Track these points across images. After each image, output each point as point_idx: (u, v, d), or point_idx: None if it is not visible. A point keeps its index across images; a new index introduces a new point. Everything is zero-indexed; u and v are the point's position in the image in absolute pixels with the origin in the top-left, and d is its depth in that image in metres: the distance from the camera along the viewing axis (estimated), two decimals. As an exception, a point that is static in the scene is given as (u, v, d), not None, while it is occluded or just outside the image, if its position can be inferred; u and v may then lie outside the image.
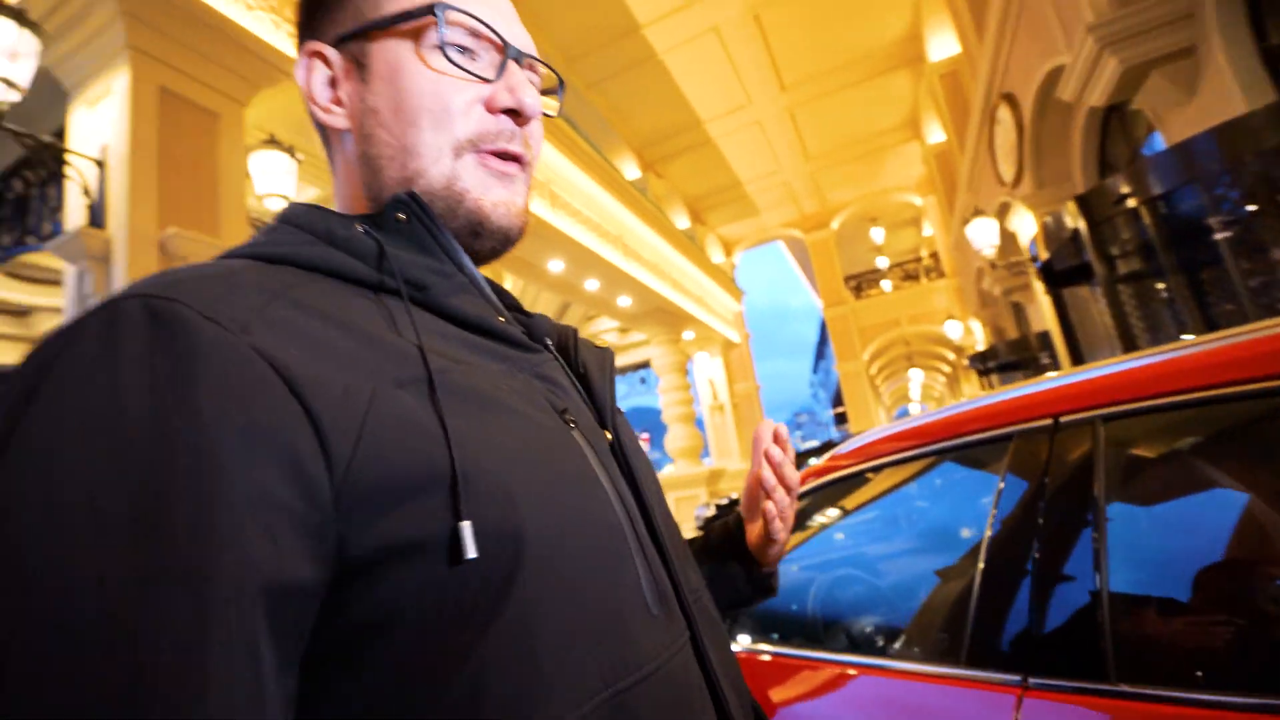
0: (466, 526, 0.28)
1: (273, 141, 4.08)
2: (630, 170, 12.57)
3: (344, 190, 0.43)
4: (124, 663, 0.21)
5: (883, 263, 16.00)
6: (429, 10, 0.38)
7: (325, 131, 0.43)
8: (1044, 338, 7.47)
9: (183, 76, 3.55)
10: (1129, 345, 3.80)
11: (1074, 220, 4.14)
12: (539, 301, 10.54)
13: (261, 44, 3.72)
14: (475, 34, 0.40)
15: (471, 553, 0.27)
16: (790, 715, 0.89)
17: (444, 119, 0.39)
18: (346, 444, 0.27)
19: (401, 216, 0.38)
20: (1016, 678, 0.68)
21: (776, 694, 0.95)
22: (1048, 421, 0.76)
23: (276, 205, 4.26)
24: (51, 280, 8.37)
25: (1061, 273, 4.72)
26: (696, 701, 0.36)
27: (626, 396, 13.27)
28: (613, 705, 0.30)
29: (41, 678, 0.20)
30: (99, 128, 3.50)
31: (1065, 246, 4.41)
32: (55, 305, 8.51)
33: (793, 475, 0.53)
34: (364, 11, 0.40)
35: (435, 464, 0.28)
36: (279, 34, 3.83)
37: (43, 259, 5.85)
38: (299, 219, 0.38)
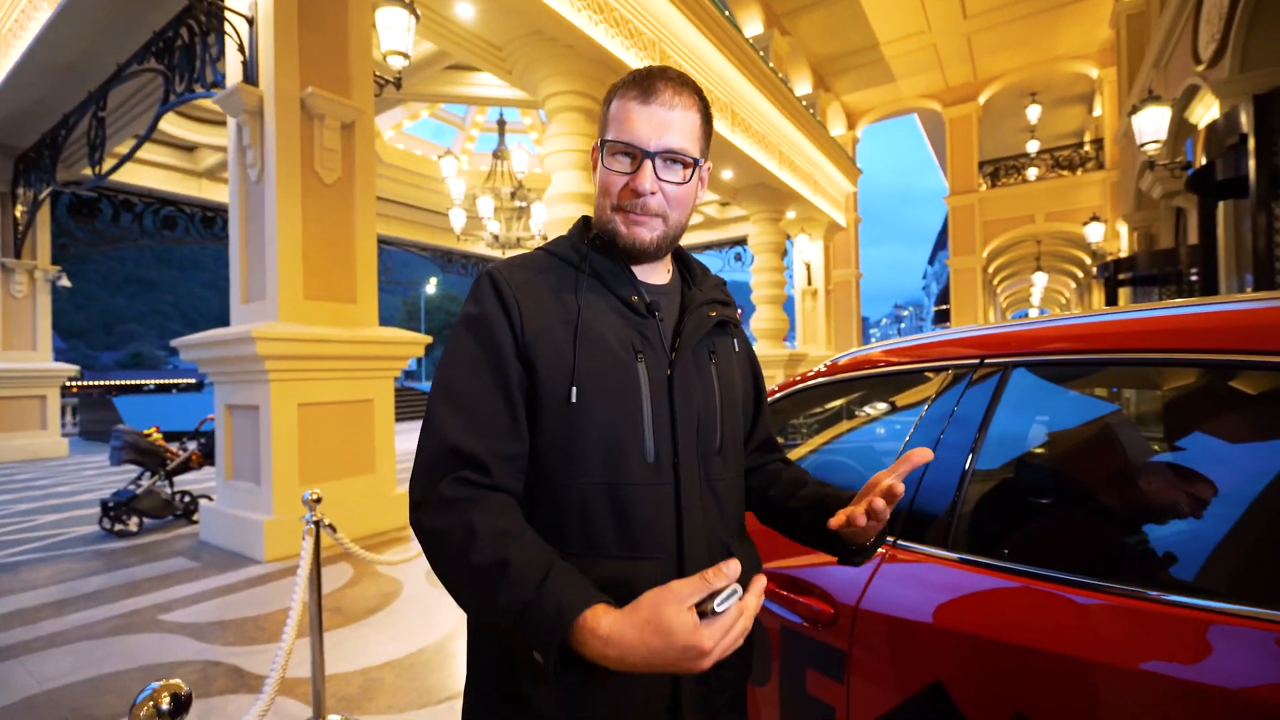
0: (574, 389, 0.70)
1: (394, -3, 4.21)
2: (753, 25, 11.49)
3: (596, 211, 0.82)
4: (453, 391, 0.73)
5: (1033, 147, 14.08)
6: (602, 143, 0.77)
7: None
8: (1196, 251, 6.61)
9: (314, -69, 3.70)
10: (1263, 273, 3.40)
11: (1249, 121, 3.56)
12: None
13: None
14: (627, 148, 0.75)
15: (574, 399, 0.70)
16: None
17: (607, 194, 0.77)
18: (524, 338, 0.72)
19: (600, 239, 0.79)
20: (889, 538, 0.93)
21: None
22: (975, 360, 0.93)
23: (396, 63, 4.51)
24: (211, 120, 9.33)
25: (1220, 182, 4.14)
26: (657, 521, 0.71)
27: (721, 270, 13.23)
28: (604, 488, 0.70)
29: (437, 394, 0.74)
30: (247, -16, 3.79)
31: (1231, 151, 3.84)
32: (215, 143, 9.55)
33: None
34: (603, 133, 0.78)
35: (565, 361, 0.71)
36: (398, -120, 3.83)
37: (205, 102, 6.54)
38: (570, 233, 0.83)
